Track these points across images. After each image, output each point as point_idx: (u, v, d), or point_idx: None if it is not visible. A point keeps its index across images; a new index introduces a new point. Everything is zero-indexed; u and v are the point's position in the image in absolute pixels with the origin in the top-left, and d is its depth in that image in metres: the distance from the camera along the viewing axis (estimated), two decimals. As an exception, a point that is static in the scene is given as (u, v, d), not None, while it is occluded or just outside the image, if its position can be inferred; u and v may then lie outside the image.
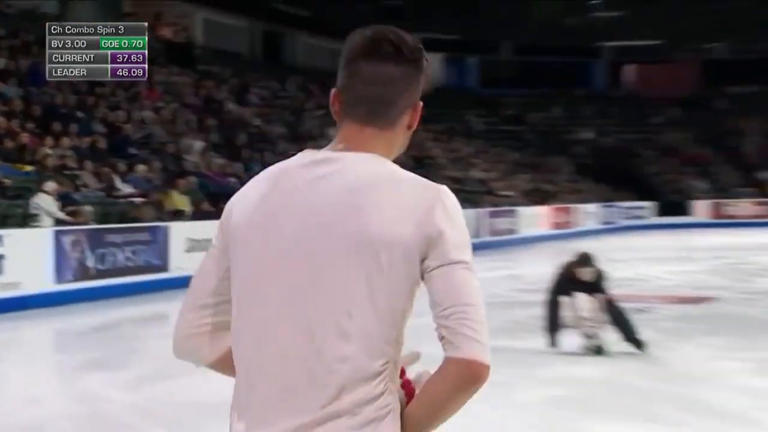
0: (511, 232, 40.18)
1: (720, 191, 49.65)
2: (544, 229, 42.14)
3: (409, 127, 2.65)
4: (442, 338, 2.39)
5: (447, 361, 2.36)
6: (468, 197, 35.99)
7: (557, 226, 43.36)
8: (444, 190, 2.49)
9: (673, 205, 48.51)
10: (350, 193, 2.44)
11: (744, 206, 48.23)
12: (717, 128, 54.33)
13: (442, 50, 55.08)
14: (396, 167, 2.54)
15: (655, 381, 11.96)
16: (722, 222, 46.54)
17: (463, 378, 2.38)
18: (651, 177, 51.13)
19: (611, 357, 13.38)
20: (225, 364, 2.63)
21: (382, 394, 2.40)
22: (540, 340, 13.76)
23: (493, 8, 49.87)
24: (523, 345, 14.03)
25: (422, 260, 2.39)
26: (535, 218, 42.32)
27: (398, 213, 2.37)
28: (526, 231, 40.62)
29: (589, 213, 46.45)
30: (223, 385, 8.87)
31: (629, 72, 61.48)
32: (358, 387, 2.35)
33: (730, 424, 9.57)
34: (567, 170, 51.30)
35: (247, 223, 2.52)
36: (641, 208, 48.62)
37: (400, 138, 2.65)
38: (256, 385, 2.44)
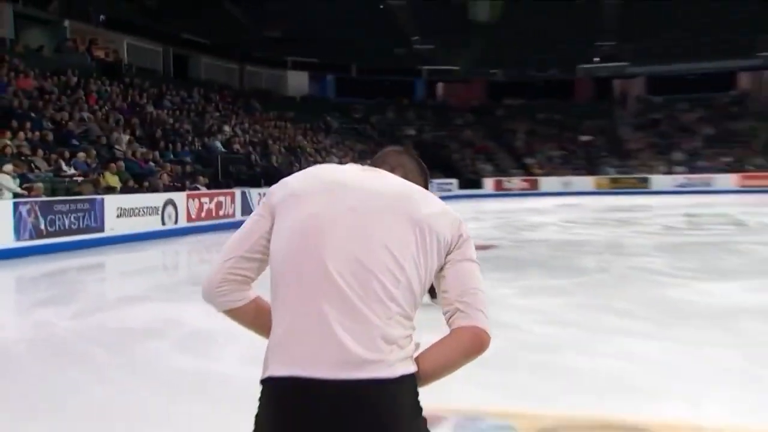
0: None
1: (501, 172, 51.80)
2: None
3: None
4: (456, 311, 2.51)
5: (462, 329, 2.50)
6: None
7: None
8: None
9: (470, 182, 50.34)
10: (400, 186, 2.57)
11: (516, 182, 50.23)
12: (498, 129, 56.60)
13: (308, 70, 56.66)
14: None
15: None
16: (502, 193, 48.62)
17: (475, 343, 2.52)
18: (455, 162, 52.92)
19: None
20: (244, 315, 2.63)
21: (411, 341, 2.46)
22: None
23: (346, 40, 50.89)
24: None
25: (447, 254, 2.51)
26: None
27: (438, 211, 2.50)
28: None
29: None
30: (146, 313, 10.76)
31: (440, 88, 63.82)
32: (403, 323, 2.40)
33: (508, 331, 9.51)
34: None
35: (306, 189, 2.53)
36: (449, 183, 49.28)
37: None
38: (303, 316, 2.38)
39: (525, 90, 56.39)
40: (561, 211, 32.72)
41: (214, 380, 7.84)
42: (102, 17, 41.05)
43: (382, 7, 51.15)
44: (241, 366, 8.08)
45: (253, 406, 2.47)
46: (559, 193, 46.92)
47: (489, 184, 50.39)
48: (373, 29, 51.49)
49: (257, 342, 2.64)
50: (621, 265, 16.04)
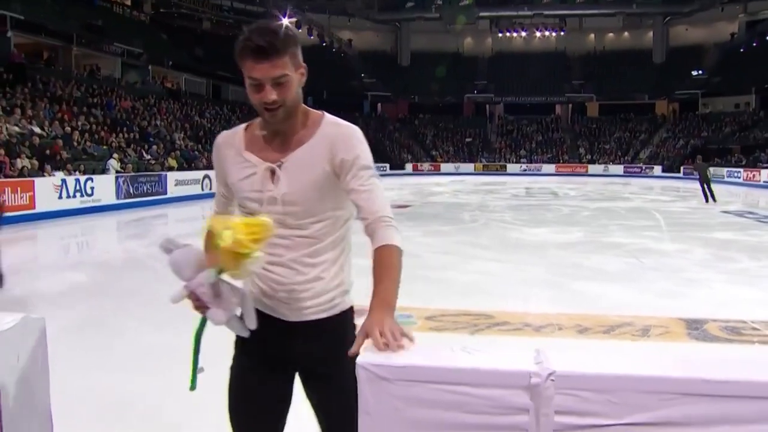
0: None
1: (416, 160, 50.44)
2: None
3: None
4: None
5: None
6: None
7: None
8: None
9: (397, 165, 48.17)
10: None
11: (426, 166, 49.14)
12: (415, 132, 55.04)
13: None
14: None
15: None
16: (417, 173, 47.12)
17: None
18: (388, 153, 50.42)
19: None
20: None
21: None
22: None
23: (319, 74, 53.24)
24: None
25: None
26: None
27: None
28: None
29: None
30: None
31: (379, 106, 60.89)
32: None
33: (412, 258, 10.28)
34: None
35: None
36: (384, 166, 46.44)
37: None
38: None
39: (432, 108, 55.18)
40: (453, 185, 32.49)
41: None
42: (170, 62, 39.70)
43: (342, 55, 51.17)
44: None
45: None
46: (452, 173, 46.44)
47: (409, 167, 49.26)
48: (338, 69, 51.49)
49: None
50: (485, 218, 16.09)
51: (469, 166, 48.82)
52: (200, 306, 1.78)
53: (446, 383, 1.30)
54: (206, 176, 23.90)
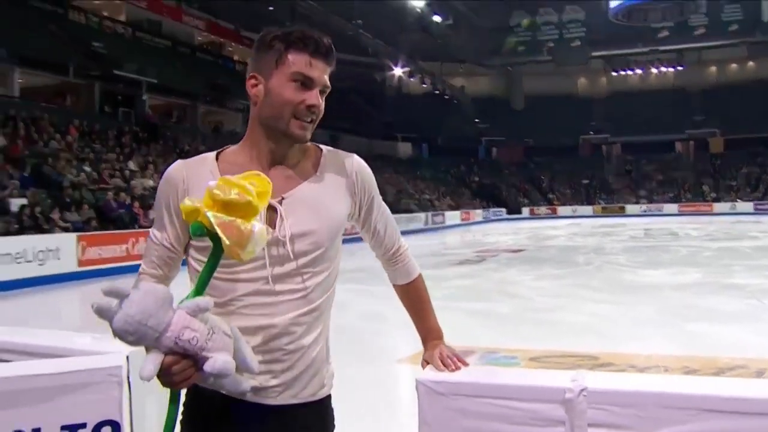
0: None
1: (533, 204, 50.04)
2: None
3: None
4: None
5: None
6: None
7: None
8: None
9: (514, 210, 48.26)
10: None
11: (543, 210, 48.23)
12: (531, 176, 54.59)
13: (410, 141, 55.05)
14: None
15: (491, 282, 12.16)
16: (534, 217, 46.93)
17: None
18: (504, 197, 50.97)
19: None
20: None
21: None
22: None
23: (435, 121, 54.60)
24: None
25: None
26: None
27: None
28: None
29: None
30: None
31: (494, 151, 59.96)
32: None
33: (522, 301, 9.89)
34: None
35: None
36: (500, 211, 47.68)
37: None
38: None
39: (548, 151, 54.35)
40: (569, 228, 31.86)
41: (342, 329, 8.11)
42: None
43: (455, 101, 51.80)
44: (359, 321, 8.71)
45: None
46: (569, 216, 45.48)
47: (526, 211, 48.76)
48: (451, 115, 52.25)
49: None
50: (599, 260, 15.85)
51: (587, 209, 47.74)
52: (186, 366, 1.31)
53: (491, 397, 1.50)
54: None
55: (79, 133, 21.79)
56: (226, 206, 1.30)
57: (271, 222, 1.50)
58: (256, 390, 1.47)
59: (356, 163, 1.66)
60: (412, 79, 47.28)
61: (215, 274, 1.40)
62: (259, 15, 35.90)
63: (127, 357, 1.81)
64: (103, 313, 1.28)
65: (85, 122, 23.10)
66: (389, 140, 52.86)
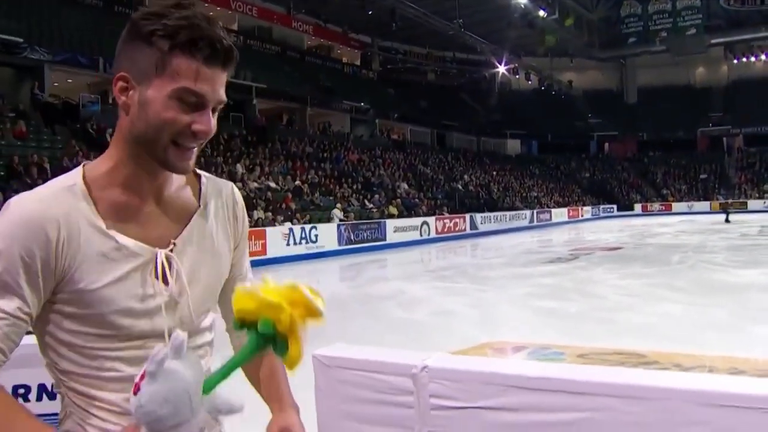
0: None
1: (646, 200, 48.62)
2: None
3: None
4: None
5: None
6: None
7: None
8: None
9: (625, 206, 47.04)
10: None
11: (656, 206, 46.79)
12: (644, 171, 53.06)
13: (520, 138, 55.39)
14: None
15: (573, 281, 12.07)
16: (646, 213, 45.58)
17: None
18: (615, 194, 49.95)
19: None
20: None
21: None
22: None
23: (545, 118, 53.91)
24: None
25: None
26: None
27: None
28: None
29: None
30: (391, 285, 12.28)
31: (606, 146, 60.99)
32: None
33: (593, 299, 9.94)
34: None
35: None
36: (611, 208, 46.83)
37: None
38: None
39: (662, 145, 52.61)
40: (680, 225, 30.66)
41: (412, 323, 8.57)
42: (395, 115, 42.02)
43: (563, 97, 50.98)
44: (427, 317, 8.85)
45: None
46: (684, 213, 43.85)
47: (638, 208, 47.47)
48: (562, 111, 51.48)
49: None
50: (695, 259, 15.38)
51: (704, 205, 45.76)
52: None
53: (360, 370, 1.90)
54: (424, 222, 25.09)
55: (198, 141, 23.14)
56: (310, 312, 1.12)
57: (161, 277, 1.21)
58: None
59: (236, 192, 1.42)
60: (516, 77, 46.85)
61: (98, 344, 1.17)
62: (362, 18, 36.82)
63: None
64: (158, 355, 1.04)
65: (206, 130, 24.51)
66: (498, 137, 52.68)
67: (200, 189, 1.33)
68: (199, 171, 1.35)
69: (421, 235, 24.45)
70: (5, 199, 11.89)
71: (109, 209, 1.18)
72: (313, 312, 1.11)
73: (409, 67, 50.15)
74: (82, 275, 1.14)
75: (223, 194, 1.37)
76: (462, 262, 18.76)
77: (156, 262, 1.20)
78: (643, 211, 46.85)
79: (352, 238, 21.20)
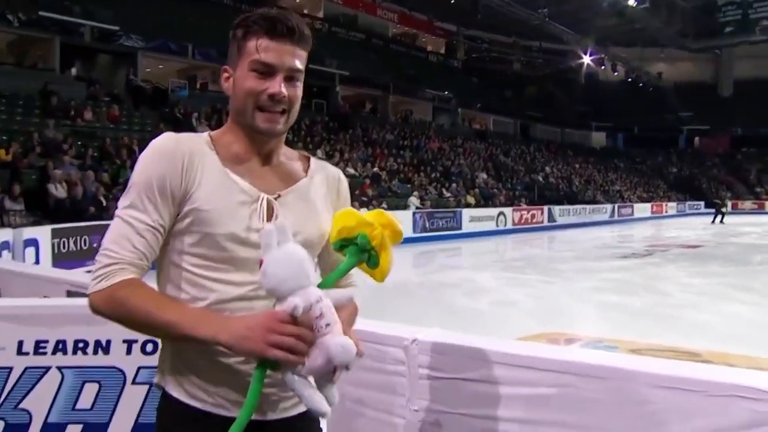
0: None
1: (737, 198, 46.25)
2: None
3: None
4: None
5: None
6: None
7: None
8: None
9: (713, 204, 45.32)
10: None
11: (748, 204, 45.08)
12: (737, 168, 51.07)
13: (605, 131, 54.46)
14: None
15: (644, 277, 12.02)
16: (737, 211, 41.70)
17: None
18: (704, 190, 48.18)
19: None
20: None
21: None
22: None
23: (632, 109, 52.57)
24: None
25: None
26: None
27: None
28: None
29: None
30: (461, 273, 12.46)
31: (696, 141, 57.34)
32: None
33: (658, 296, 9.85)
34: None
35: None
36: (698, 204, 45.12)
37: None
38: None
39: (759, 141, 50.30)
40: None
41: (473, 311, 8.59)
42: (478, 104, 41.86)
43: (651, 89, 49.48)
44: (488, 306, 8.93)
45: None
46: (779, 212, 41.21)
47: (728, 205, 45.17)
48: (650, 103, 49.93)
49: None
50: (778, 261, 14.81)
51: (803, 204, 43.53)
52: (308, 338, 1.26)
53: (360, 339, 2.11)
54: (501, 213, 24.98)
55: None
56: (395, 234, 1.43)
57: (265, 217, 1.43)
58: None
59: (342, 175, 1.63)
60: (602, 68, 45.69)
61: (201, 271, 1.40)
62: (447, 6, 36.75)
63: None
64: (268, 237, 1.27)
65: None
66: (582, 129, 51.68)
67: (309, 165, 1.57)
68: (308, 154, 1.61)
69: (497, 226, 24.31)
70: (96, 180, 12.68)
71: (226, 156, 1.45)
72: (396, 233, 1.41)
73: (494, 56, 49.71)
74: (199, 195, 1.38)
75: (329, 173, 1.60)
76: (535, 254, 18.67)
77: (260, 204, 1.42)
78: (733, 209, 44.59)
79: (427, 226, 21.19)
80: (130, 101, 20.40)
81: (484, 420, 1.86)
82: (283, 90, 1.40)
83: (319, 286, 1.30)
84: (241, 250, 1.38)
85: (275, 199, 1.44)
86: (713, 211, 33.07)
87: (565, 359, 1.79)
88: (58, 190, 12.84)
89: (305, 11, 33.98)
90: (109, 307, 1.33)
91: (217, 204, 1.38)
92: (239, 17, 1.44)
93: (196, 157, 1.41)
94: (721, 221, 31.01)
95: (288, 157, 1.55)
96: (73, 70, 21.04)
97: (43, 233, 10.66)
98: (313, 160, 1.60)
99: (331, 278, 1.39)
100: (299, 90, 1.45)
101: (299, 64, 1.42)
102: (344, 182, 1.63)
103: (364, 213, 1.41)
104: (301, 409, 1.43)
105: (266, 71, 1.40)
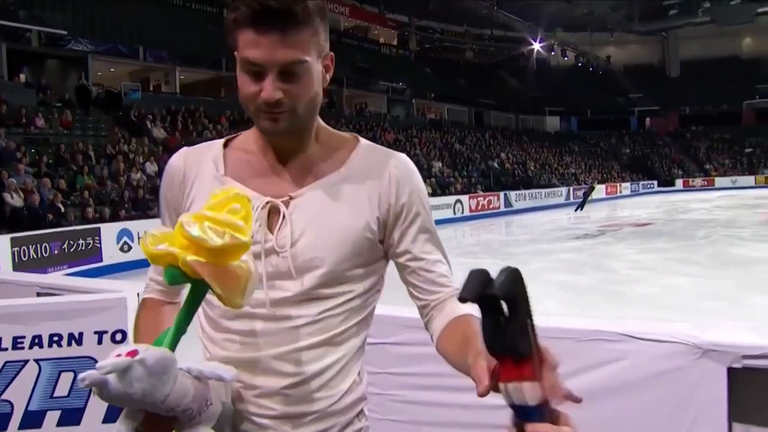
0: None
1: (687, 175, 47.84)
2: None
3: None
4: None
5: None
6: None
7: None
8: None
9: (666, 182, 46.32)
10: None
11: (698, 182, 45.94)
12: (686, 146, 52.10)
13: (559, 115, 54.54)
14: None
15: (593, 256, 12.45)
16: (687, 189, 44.76)
17: None
18: (656, 169, 49.04)
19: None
20: None
21: None
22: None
23: (585, 94, 53.48)
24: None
25: None
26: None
27: None
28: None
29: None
30: None
31: (647, 121, 58.03)
32: None
33: (608, 273, 10.25)
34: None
35: None
36: (651, 183, 46.31)
37: None
38: None
39: (706, 119, 51.86)
40: (718, 200, 30.26)
41: None
42: (432, 94, 42.27)
43: (601, 73, 50.46)
44: None
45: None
46: (728, 188, 42.95)
47: (680, 183, 46.80)
48: (601, 86, 51.00)
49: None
50: (720, 234, 15.44)
51: (749, 179, 44.85)
52: (164, 429, 1.06)
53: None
54: (458, 201, 25.39)
55: (229, 122, 23.77)
56: (213, 252, 1.02)
57: (271, 227, 1.25)
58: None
59: (400, 165, 1.32)
60: (552, 53, 46.54)
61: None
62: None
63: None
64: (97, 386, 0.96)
65: (235, 112, 25.10)
66: (536, 114, 52.51)
67: (350, 155, 1.32)
68: (361, 139, 1.36)
69: (454, 213, 24.68)
70: (53, 187, 12.72)
71: (231, 162, 1.31)
72: (206, 246, 1.02)
73: (447, 46, 50.31)
74: (192, 209, 1.26)
75: (378, 163, 1.31)
76: (491, 239, 19.10)
77: (257, 210, 1.22)
78: (684, 186, 46.20)
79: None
80: (82, 106, 20.31)
81: (405, 376, 2.22)
82: (276, 94, 1.16)
83: (158, 343, 1.05)
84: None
85: (285, 203, 1.25)
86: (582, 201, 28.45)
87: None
88: (14, 199, 12.85)
89: (255, 8, 33.76)
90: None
91: None
92: (232, 3, 1.19)
93: (192, 170, 1.32)
94: (581, 208, 27.36)
95: (330, 146, 1.33)
96: (22, 77, 20.82)
97: (2, 242, 10.73)
98: (361, 147, 1.34)
99: (176, 330, 1.07)
100: (304, 80, 1.19)
101: (295, 54, 1.16)
102: (400, 174, 1.30)
103: (162, 234, 1.06)
104: None
105: (257, 70, 1.17)
